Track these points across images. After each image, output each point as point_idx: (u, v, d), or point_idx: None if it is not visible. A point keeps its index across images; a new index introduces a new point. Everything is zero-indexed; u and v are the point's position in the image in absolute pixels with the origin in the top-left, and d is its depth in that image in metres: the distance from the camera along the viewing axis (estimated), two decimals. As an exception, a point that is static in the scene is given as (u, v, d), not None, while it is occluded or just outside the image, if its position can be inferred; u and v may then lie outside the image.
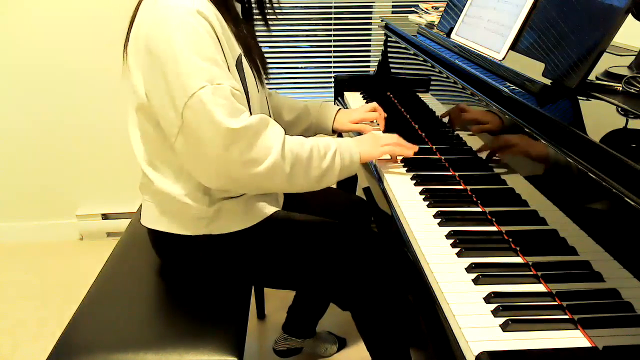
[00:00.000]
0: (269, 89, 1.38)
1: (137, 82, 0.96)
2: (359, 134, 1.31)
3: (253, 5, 1.10)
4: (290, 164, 0.95)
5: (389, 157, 1.17)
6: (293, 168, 0.96)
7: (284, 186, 0.98)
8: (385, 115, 1.36)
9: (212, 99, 0.87)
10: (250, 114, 1.00)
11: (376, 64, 1.87)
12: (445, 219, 0.95)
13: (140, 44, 0.93)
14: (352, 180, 1.75)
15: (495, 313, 0.71)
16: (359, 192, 1.93)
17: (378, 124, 1.36)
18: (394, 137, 1.14)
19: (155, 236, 1.11)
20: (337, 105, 1.37)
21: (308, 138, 1.03)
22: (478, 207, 1.01)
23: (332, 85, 1.85)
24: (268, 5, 1.10)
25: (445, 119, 1.23)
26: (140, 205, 1.15)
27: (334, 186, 1.14)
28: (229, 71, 0.94)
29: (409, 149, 1.14)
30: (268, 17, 1.12)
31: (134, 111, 1.02)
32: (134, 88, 0.97)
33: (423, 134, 1.38)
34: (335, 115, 1.34)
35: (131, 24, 0.99)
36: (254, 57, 1.05)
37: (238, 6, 1.06)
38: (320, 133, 1.36)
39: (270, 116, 1.14)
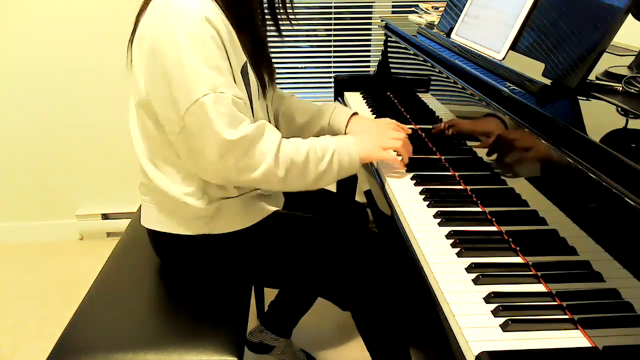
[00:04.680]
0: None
1: (139, 79, 0.97)
2: None
3: (265, 11, 1.07)
4: (285, 168, 0.97)
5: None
6: (288, 172, 0.97)
7: (281, 188, 1.02)
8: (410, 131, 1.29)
9: (214, 107, 0.89)
10: (253, 121, 1.00)
11: (376, 64, 1.87)
12: (445, 219, 0.95)
13: (144, 44, 0.93)
14: (352, 183, 1.75)
15: (495, 313, 0.71)
16: (360, 195, 1.93)
17: None
18: (399, 142, 1.11)
19: (155, 237, 1.11)
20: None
21: (306, 139, 1.02)
22: (478, 207, 1.01)
23: (332, 85, 1.85)
24: (281, 8, 1.08)
25: (445, 122, 1.23)
26: (140, 206, 1.15)
27: (334, 190, 1.14)
28: (234, 79, 0.95)
29: (404, 160, 1.13)
30: (280, 21, 1.10)
31: (135, 106, 1.02)
32: (136, 84, 0.98)
33: (423, 134, 1.38)
34: (348, 121, 1.23)
35: (137, 20, 0.98)
36: (261, 68, 1.04)
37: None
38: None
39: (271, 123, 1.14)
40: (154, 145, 1.02)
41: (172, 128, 0.94)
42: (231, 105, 0.91)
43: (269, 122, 1.12)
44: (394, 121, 1.21)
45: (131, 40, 1.00)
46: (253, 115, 1.01)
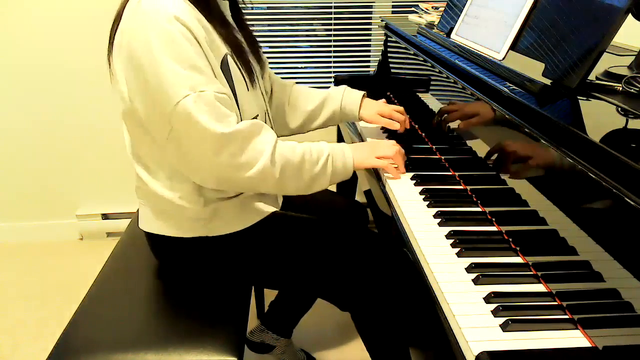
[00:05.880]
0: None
1: (123, 89, 0.96)
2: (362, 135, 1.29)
3: None
4: (280, 168, 0.96)
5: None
6: (283, 172, 0.97)
7: (276, 189, 1.01)
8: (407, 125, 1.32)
9: (196, 107, 0.87)
10: (240, 113, 1.00)
11: (376, 64, 1.87)
12: (445, 219, 0.95)
13: (123, 52, 0.93)
14: (352, 183, 1.74)
15: (495, 313, 0.71)
16: (360, 195, 1.93)
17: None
18: (393, 150, 1.11)
19: (153, 239, 1.11)
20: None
21: (301, 143, 1.02)
22: (478, 207, 1.01)
23: (332, 85, 1.85)
24: None
25: (445, 120, 1.23)
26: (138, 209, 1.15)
27: (334, 189, 1.13)
28: (214, 74, 0.93)
29: (400, 169, 1.12)
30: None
31: (121, 116, 1.02)
32: (121, 94, 0.97)
33: (423, 134, 1.38)
34: (362, 101, 1.28)
35: (113, 31, 0.98)
36: (246, 56, 1.04)
37: (225, 4, 1.04)
38: (346, 120, 1.32)
39: (268, 114, 1.13)
40: (146, 150, 1.02)
41: (160, 134, 0.93)
42: (214, 102, 0.90)
43: (266, 110, 1.12)
44: (392, 106, 1.29)
45: (110, 51, 0.99)
46: (239, 108, 0.99)
